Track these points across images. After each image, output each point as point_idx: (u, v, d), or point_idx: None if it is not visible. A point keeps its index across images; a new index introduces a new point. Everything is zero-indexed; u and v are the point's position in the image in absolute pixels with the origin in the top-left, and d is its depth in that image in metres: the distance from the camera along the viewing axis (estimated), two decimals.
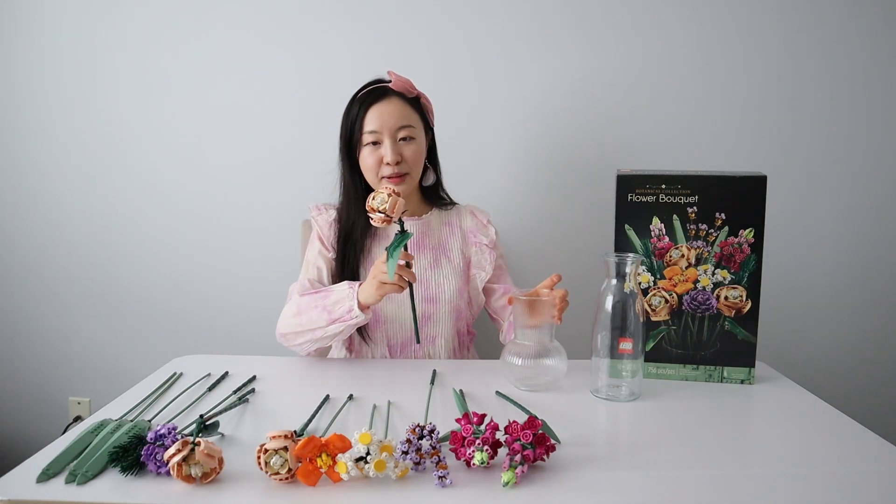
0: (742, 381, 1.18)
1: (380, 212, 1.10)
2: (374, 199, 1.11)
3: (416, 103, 1.39)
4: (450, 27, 1.74)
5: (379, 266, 1.17)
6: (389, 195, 1.10)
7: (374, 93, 1.35)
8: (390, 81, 1.36)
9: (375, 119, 1.33)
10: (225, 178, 1.84)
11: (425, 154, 1.41)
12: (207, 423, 0.91)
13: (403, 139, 1.35)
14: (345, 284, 1.25)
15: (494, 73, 1.75)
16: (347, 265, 1.37)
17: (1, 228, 1.90)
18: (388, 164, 1.33)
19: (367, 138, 1.34)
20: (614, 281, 1.08)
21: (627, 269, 1.06)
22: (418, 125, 1.37)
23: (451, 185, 1.52)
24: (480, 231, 1.46)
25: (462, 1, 1.73)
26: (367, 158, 1.35)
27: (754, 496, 0.81)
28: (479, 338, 1.55)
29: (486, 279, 1.43)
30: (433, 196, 1.49)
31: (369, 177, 1.37)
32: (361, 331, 1.36)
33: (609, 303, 1.07)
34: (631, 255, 1.08)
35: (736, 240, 1.15)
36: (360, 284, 1.23)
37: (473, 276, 1.44)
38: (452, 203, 1.51)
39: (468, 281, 1.44)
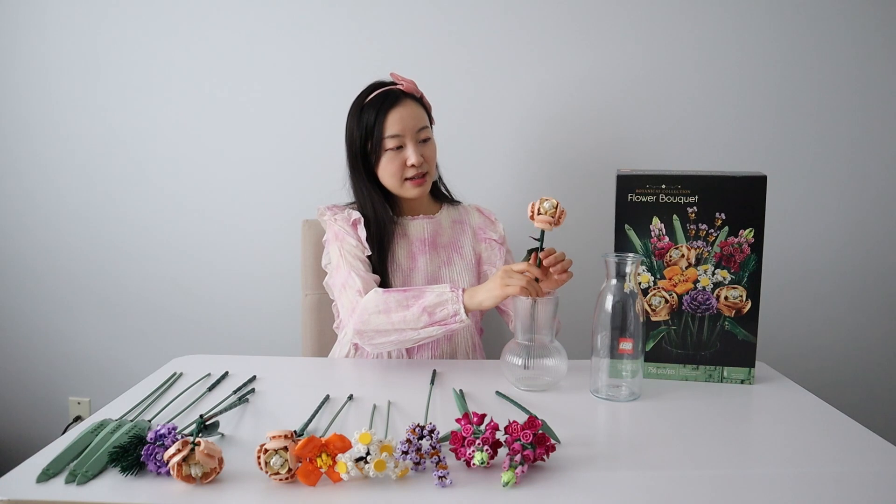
0: (742, 381, 1.18)
1: (548, 215, 1.13)
2: (542, 203, 1.14)
3: (422, 103, 1.40)
4: (449, 27, 1.74)
5: (510, 273, 1.15)
6: (557, 204, 1.13)
7: (388, 97, 1.34)
8: (394, 83, 1.37)
9: (397, 123, 1.33)
10: (225, 178, 1.84)
11: None
12: (207, 423, 0.91)
13: (422, 140, 1.36)
14: (445, 286, 1.22)
15: (494, 73, 1.75)
16: (382, 268, 1.35)
17: (1, 228, 1.91)
18: (412, 166, 1.33)
19: (389, 143, 1.33)
20: (614, 281, 1.08)
21: (627, 269, 1.07)
22: (428, 124, 1.39)
23: (452, 185, 1.53)
24: (489, 228, 1.49)
25: (461, 1, 1.73)
26: (389, 163, 1.34)
27: (754, 496, 0.81)
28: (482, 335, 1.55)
29: None
30: (438, 193, 1.50)
31: (391, 181, 1.36)
32: None
33: (609, 303, 1.07)
34: (631, 255, 1.08)
35: (736, 240, 1.15)
36: (463, 289, 1.21)
37: (485, 272, 1.46)
38: (455, 200, 1.52)
39: (479, 277, 1.46)
